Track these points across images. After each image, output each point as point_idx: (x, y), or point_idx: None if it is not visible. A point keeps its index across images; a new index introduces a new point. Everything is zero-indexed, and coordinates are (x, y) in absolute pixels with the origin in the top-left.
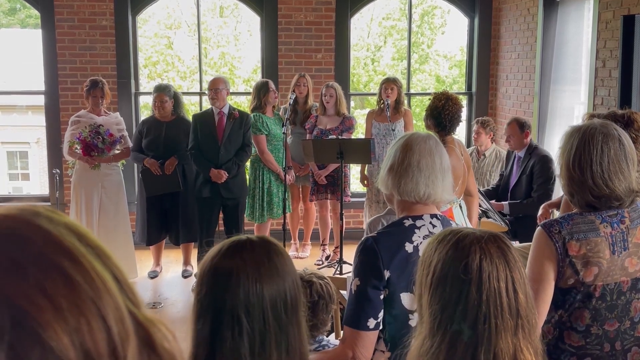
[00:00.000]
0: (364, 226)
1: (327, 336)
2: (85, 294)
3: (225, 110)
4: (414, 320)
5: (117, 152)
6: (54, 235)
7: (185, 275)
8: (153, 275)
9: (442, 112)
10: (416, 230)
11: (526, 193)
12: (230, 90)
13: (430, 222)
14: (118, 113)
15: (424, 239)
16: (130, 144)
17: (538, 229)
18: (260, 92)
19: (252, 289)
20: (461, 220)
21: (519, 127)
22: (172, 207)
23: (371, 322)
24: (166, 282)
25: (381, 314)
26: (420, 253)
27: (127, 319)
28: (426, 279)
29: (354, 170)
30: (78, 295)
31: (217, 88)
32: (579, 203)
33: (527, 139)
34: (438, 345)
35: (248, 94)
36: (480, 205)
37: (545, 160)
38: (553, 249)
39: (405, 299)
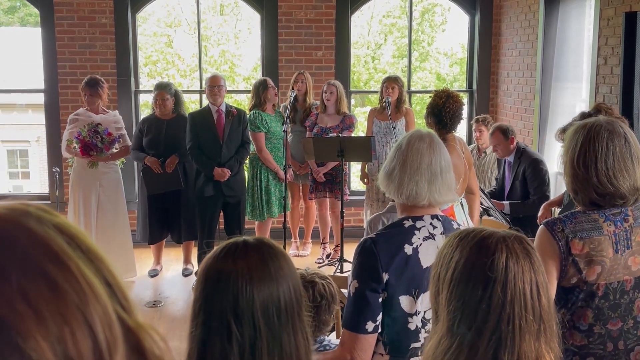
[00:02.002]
0: (364, 224)
1: (328, 335)
2: (70, 301)
3: (223, 107)
4: (413, 324)
5: (115, 150)
6: (41, 237)
7: (186, 273)
8: (153, 273)
9: (442, 110)
10: (416, 232)
11: (522, 198)
12: (231, 88)
13: (431, 223)
14: (117, 111)
15: (424, 240)
16: (129, 143)
17: (541, 227)
18: (259, 90)
19: (242, 293)
20: (462, 218)
21: (503, 134)
22: (174, 206)
23: (369, 325)
24: (166, 280)
25: (380, 317)
26: (421, 255)
27: (116, 325)
28: (445, 275)
29: (354, 169)
30: (62, 302)
31: (219, 85)
32: (583, 201)
33: (513, 144)
34: (458, 346)
35: (248, 92)
36: (481, 203)
37: (536, 163)
38: (556, 247)
39: (404, 301)
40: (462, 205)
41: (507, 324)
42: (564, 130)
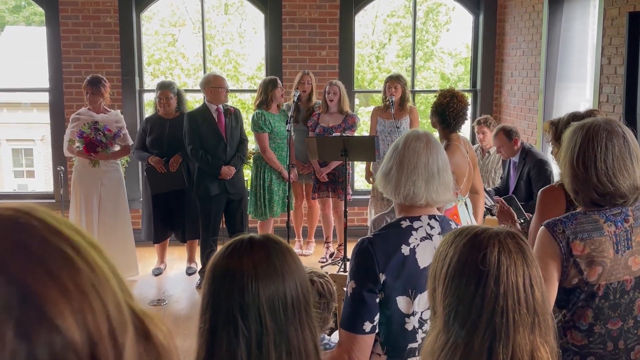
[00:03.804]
0: (369, 223)
1: (329, 334)
2: (87, 279)
3: (221, 106)
4: (410, 324)
5: (116, 149)
6: (53, 225)
7: (189, 272)
8: (157, 272)
9: (446, 109)
10: (413, 232)
11: (526, 198)
12: (235, 88)
13: (429, 224)
14: (119, 111)
15: (421, 240)
16: (130, 142)
17: (541, 228)
18: (268, 87)
19: (247, 289)
20: (466, 218)
21: (507, 136)
22: (178, 205)
23: (367, 326)
24: (170, 279)
25: (377, 317)
26: (418, 256)
27: (125, 309)
28: (441, 271)
29: (358, 168)
30: (81, 279)
31: (226, 86)
32: (584, 201)
33: (517, 145)
34: (455, 340)
35: (252, 91)
36: (485, 203)
37: (541, 164)
38: (557, 248)
39: (402, 302)
40: (466, 205)
41: (501, 317)
42: (552, 123)
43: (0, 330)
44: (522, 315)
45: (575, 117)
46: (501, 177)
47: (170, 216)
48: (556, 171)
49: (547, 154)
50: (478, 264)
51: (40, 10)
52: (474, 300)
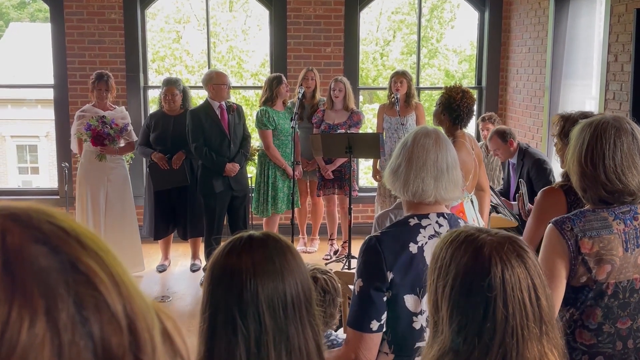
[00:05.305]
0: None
1: (335, 331)
2: (117, 273)
3: (223, 103)
4: (417, 323)
5: (122, 144)
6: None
7: (194, 269)
8: (161, 269)
9: (460, 105)
10: (421, 230)
11: (529, 199)
12: (239, 84)
13: (437, 222)
14: (124, 107)
15: (429, 238)
16: (135, 138)
17: (549, 226)
18: (273, 84)
19: (246, 287)
20: (472, 215)
21: (501, 138)
22: (180, 202)
23: (374, 324)
24: (174, 275)
25: (384, 316)
26: (426, 254)
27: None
28: (444, 290)
29: (363, 165)
30: (116, 272)
31: (228, 83)
32: (592, 199)
33: (513, 146)
34: None
35: (256, 87)
36: (490, 201)
37: (539, 163)
38: (565, 246)
39: (409, 301)
40: (472, 202)
41: (511, 337)
42: (562, 117)
43: (61, 295)
44: (530, 329)
45: (585, 116)
46: (503, 179)
47: (172, 213)
48: (556, 169)
49: (553, 152)
50: (484, 291)
51: (45, 6)
52: (485, 324)
